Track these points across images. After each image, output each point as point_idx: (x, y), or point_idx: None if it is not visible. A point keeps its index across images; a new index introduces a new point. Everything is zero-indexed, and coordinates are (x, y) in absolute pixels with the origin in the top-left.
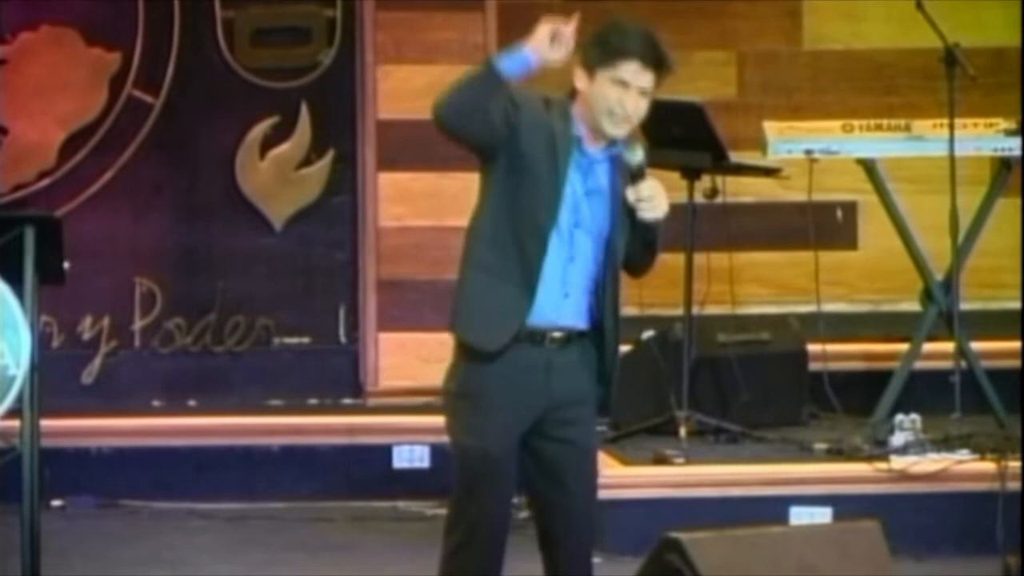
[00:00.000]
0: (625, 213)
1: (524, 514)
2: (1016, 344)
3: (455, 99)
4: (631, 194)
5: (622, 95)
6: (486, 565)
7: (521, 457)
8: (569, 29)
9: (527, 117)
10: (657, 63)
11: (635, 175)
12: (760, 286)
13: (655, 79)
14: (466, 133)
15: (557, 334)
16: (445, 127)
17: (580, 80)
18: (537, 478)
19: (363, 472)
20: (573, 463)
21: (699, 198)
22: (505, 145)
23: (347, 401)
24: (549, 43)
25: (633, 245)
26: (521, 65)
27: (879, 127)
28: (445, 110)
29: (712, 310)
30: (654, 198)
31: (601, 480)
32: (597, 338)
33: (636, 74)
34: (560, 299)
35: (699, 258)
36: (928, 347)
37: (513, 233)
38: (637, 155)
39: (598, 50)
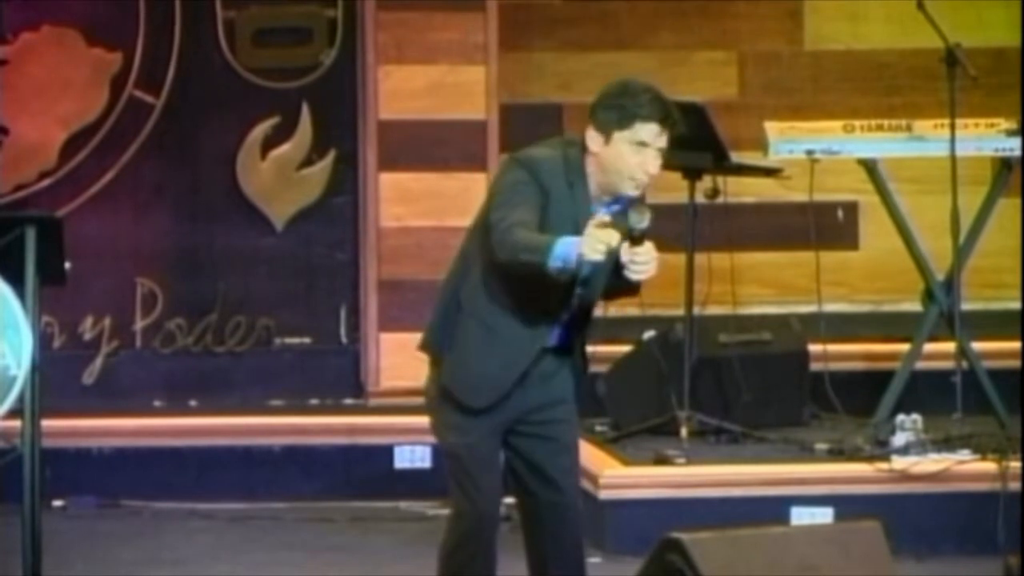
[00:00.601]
0: (611, 264)
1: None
2: (1017, 344)
3: (513, 260)
4: (626, 254)
5: (642, 158)
6: (484, 563)
7: (508, 458)
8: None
9: (555, 194)
10: (672, 124)
11: (636, 238)
12: (761, 286)
13: (668, 138)
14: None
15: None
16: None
17: (594, 143)
18: (526, 477)
19: (364, 472)
20: (558, 459)
21: (700, 198)
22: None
23: (348, 401)
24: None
25: (610, 288)
26: (567, 265)
27: (880, 127)
28: (505, 261)
29: (713, 310)
30: (648, 263)
31: (602, 480)
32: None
33: (656, 136)
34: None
35: (700, 258)
36: (929, 347)
37: (522, 291)
38: (644, 221)
39: (614, 114)
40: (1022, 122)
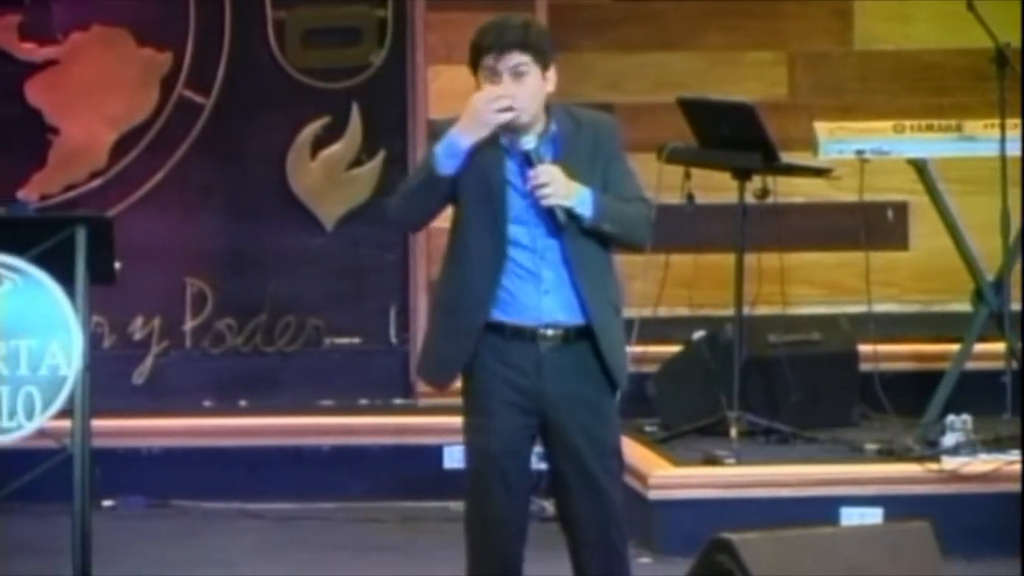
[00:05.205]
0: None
1: (549, 513)
2: None
3: (404, 209)
4: (530, 181)
5: (496, 86)
6: (501, 564)
7: (548, 460)
8: (496, 92)
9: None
10: (515, 43)
11: (529, 162)
12: (811, 286)
13: (528, 57)
14: (421, 224)
15: (549, 332)
16: (399, 229)
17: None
18: (562, 479)
19: (413, 472)
20: (600, 462)
21: (750, 198)
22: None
23: (397, 401)
24: (478, 114)
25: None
26: (455, 156)
27: (930, 127)
28: (396, 219)
29: (762, 310)
30: (549, 184)
31: (651, 480)
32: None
33: (499, 59)
34: (540, 296)
35: (750, 258)
36: (979, 347)
37: (469, 253)
38: (529, 143)
39: (470, 55)
40: (1023, 124)
